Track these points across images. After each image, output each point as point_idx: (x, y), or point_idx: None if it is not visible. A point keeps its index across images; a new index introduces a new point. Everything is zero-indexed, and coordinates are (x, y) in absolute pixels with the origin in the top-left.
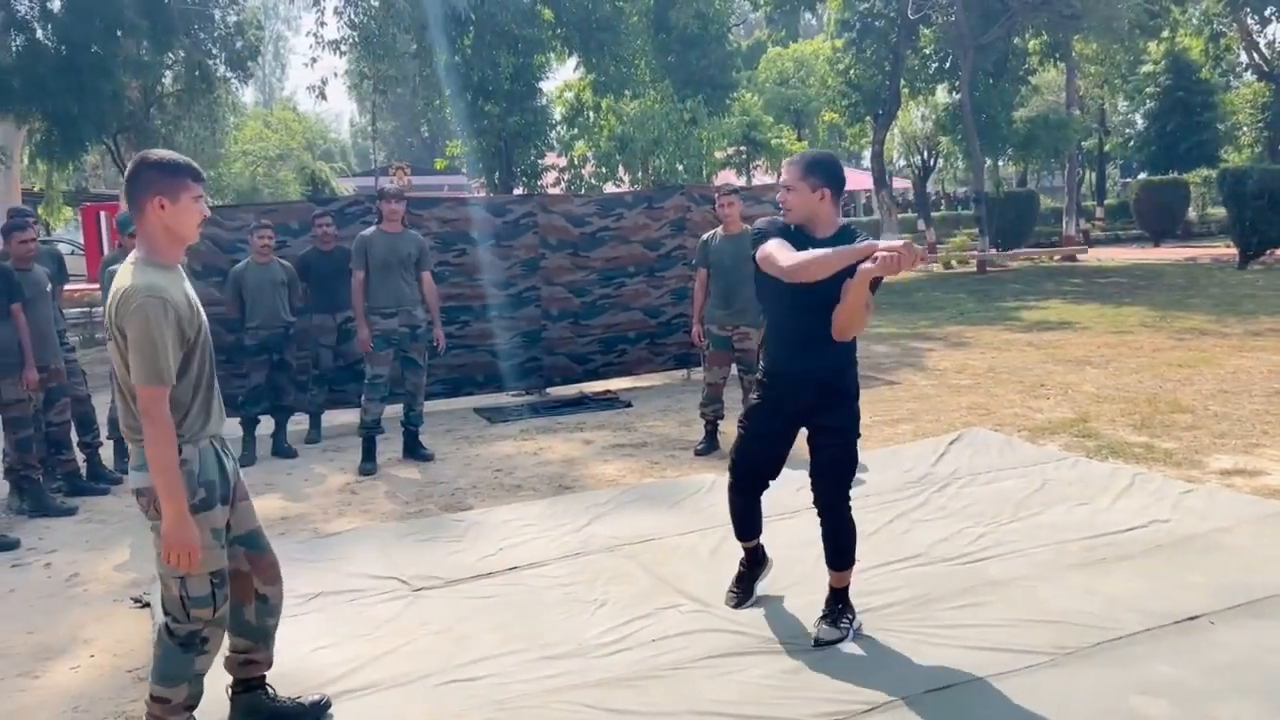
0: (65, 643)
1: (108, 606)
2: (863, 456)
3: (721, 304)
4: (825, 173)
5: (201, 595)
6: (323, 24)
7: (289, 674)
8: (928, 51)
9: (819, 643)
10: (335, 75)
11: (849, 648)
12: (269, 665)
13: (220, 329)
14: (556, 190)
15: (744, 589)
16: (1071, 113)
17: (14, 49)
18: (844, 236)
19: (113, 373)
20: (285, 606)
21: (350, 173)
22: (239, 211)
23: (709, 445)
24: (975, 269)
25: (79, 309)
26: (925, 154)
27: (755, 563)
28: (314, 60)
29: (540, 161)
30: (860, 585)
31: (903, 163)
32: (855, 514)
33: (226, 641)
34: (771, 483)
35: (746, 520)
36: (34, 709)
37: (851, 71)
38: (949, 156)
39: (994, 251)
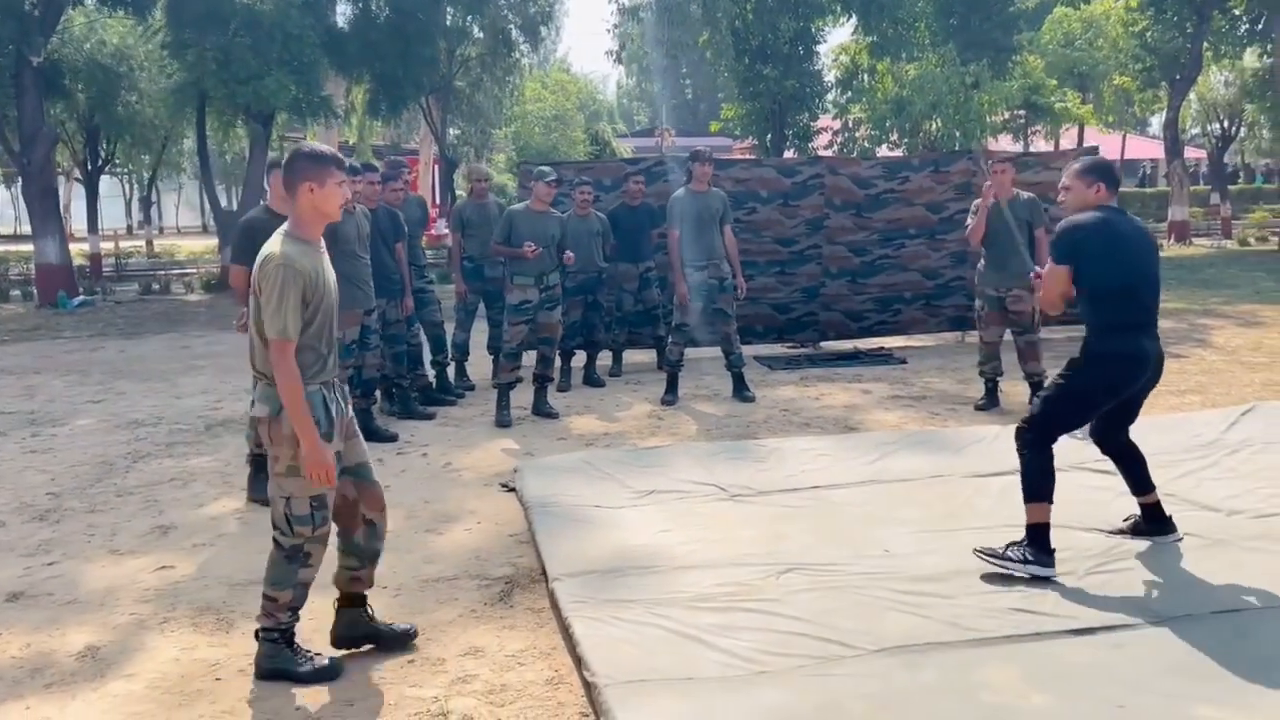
0: (456, 512)
1: (481, 488)
2: (1146, 421)
3: (996, 267)
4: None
5: (303, 515)
6: None
7: (646, 545)
8: (1237, 12)
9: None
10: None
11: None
12: (370, 584)
13: None
14: (828, 153)
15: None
16: None
17: (348, 16)
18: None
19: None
20: (626, 498)
21: (621, 134)
22: (561, 168)
23: (990, 401)
24: (1276, 247)
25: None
26: (1225, 122)
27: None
28: (615, 26)
29: (812, 124)
30: None
31: (1196, 131)
32: None
33: (341, 560)
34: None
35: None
36: (446, 554)
37: (1148, 34)
38: (1253, 125)
39: None
